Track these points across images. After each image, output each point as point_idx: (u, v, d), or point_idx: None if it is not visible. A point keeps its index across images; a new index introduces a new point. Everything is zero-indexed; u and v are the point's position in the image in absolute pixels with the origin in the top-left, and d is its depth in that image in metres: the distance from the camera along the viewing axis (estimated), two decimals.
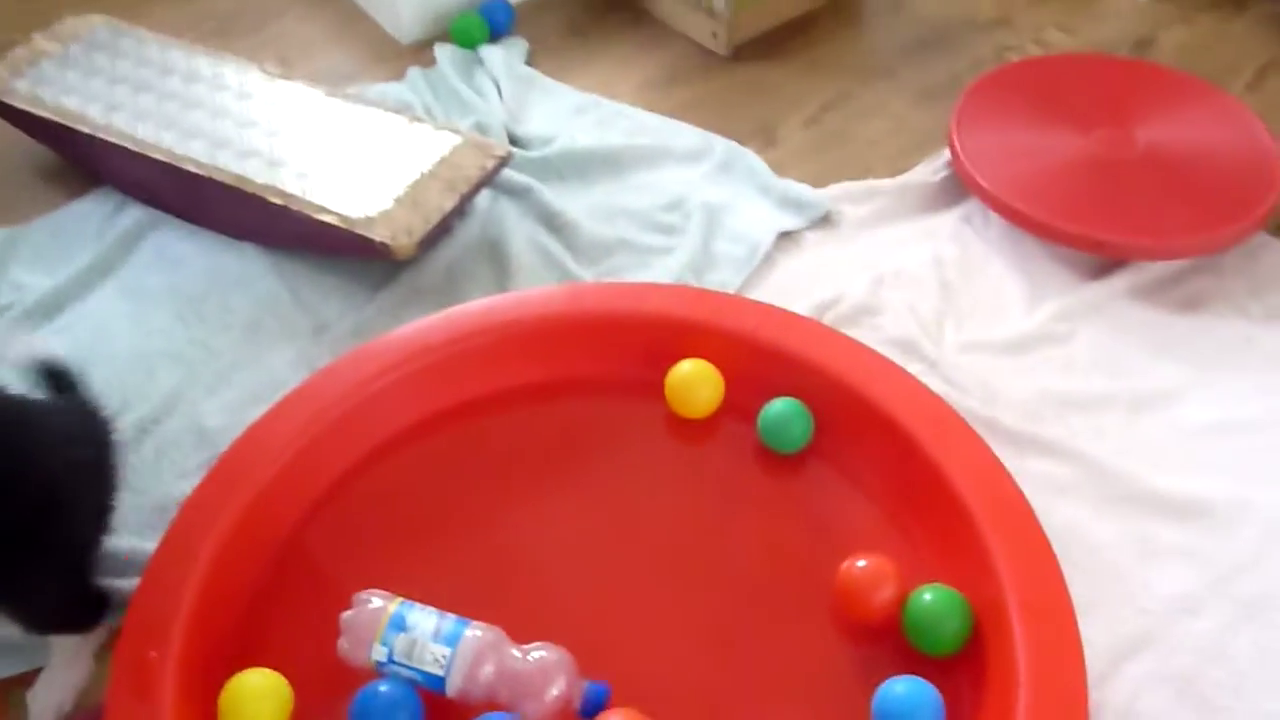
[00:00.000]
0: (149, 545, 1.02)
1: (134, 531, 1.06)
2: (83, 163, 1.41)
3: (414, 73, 1.56)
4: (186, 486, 1.08)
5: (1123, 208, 1.28)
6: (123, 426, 1.13)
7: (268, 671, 0.87)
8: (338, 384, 1.05)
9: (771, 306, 1.13)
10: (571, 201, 1.36)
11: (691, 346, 1.08)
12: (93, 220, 1.38)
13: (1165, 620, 0.99)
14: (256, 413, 1.08)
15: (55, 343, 1.22)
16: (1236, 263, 1.29)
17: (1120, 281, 1.26)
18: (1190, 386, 1.17)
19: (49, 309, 1.27)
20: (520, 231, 1.33)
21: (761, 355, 1.07)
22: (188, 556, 0.91)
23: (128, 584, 1.00)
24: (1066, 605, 0.87)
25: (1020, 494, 0.94)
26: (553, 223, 1.33)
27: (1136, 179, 1.32)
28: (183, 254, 1.33)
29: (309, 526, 1.01)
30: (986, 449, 0.98)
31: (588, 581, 0.97)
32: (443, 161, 1.29)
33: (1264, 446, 1.12)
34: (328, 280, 1.30)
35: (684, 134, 1.47)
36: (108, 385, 1.16)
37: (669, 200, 1.37)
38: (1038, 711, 0.81)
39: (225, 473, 0.99)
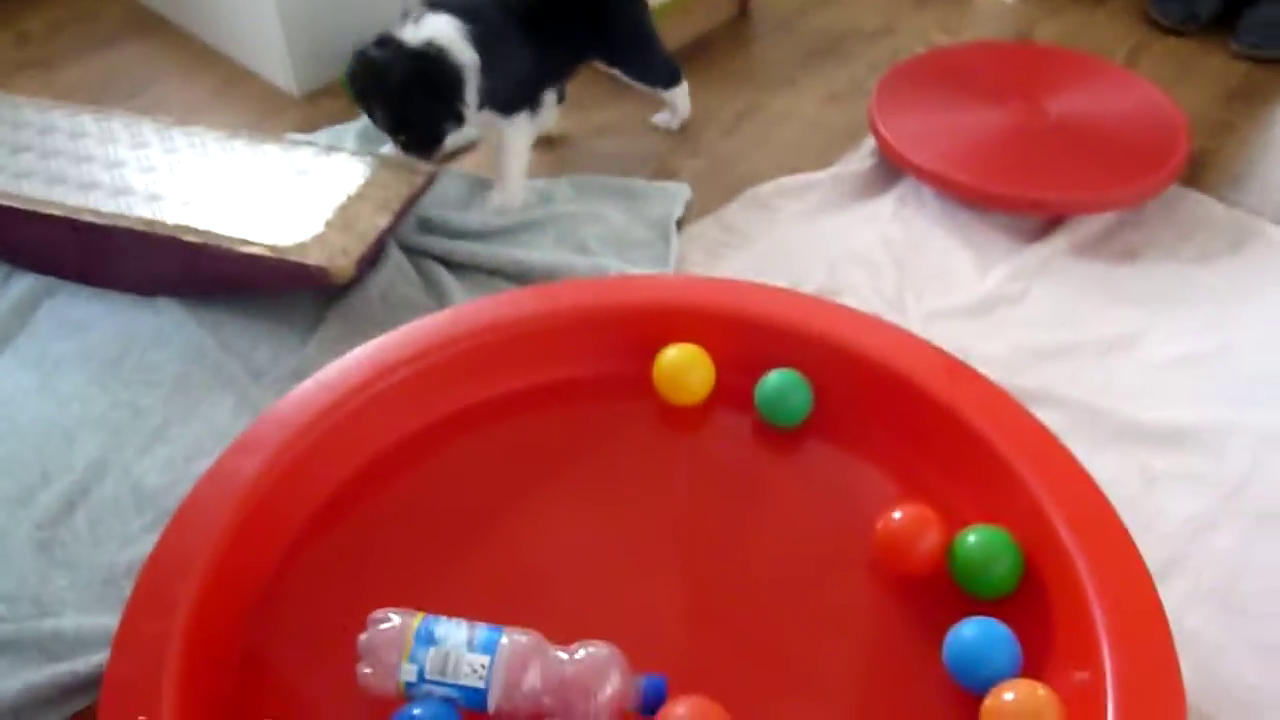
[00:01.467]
0: (101, 620, 0.91)
1: (80, 609, 0.93)
2: None
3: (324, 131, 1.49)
4: (133, 554, 0.97)
5: (1050, 170, 1.32)
6: (46, 502, 1.02)
7: None
8: (309, 407, 0.95)
9: (745, 282, 1.09)
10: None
11: (674, 331, 1.04)
12: None
13: (1187, 541, 0.98)
14: (201, 467, 0.97)
15: None
16: (1159, 213, 1.34)
17: (1059, 241, 1.29)
18: (1147, 328, 1.20)
19: None
20: (440, 248, 1.27)
21: (749, 330, 1.03)
22: (165, 608, 0.80)
23: (82, 663, 0.87)
24: (1118, 524, 0.85)
25: (1041, 425, 0.92)
26: (479, 234, 1.28)
27: (1057, 144, 1.36)
28: (87, 317, 1.21)
29: (300, 553, 0.90)
30: (997, 387, 0.96)
31: (614, 580, 0.90)
32: (368, 183, 1.23)
33: (1228, 373, 1.15)
34: (254, 326, 1.20)
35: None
36: (19, 464, 1.05)
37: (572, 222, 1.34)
38: (1120, 632, 0.77)
39: (190, 511, 0.87)
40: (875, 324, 1.03)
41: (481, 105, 1.25)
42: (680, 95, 1.49)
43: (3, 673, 0.88)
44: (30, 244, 1.24)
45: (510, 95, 1.29)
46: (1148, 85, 1.45)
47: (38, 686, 0.86)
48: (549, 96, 1.42)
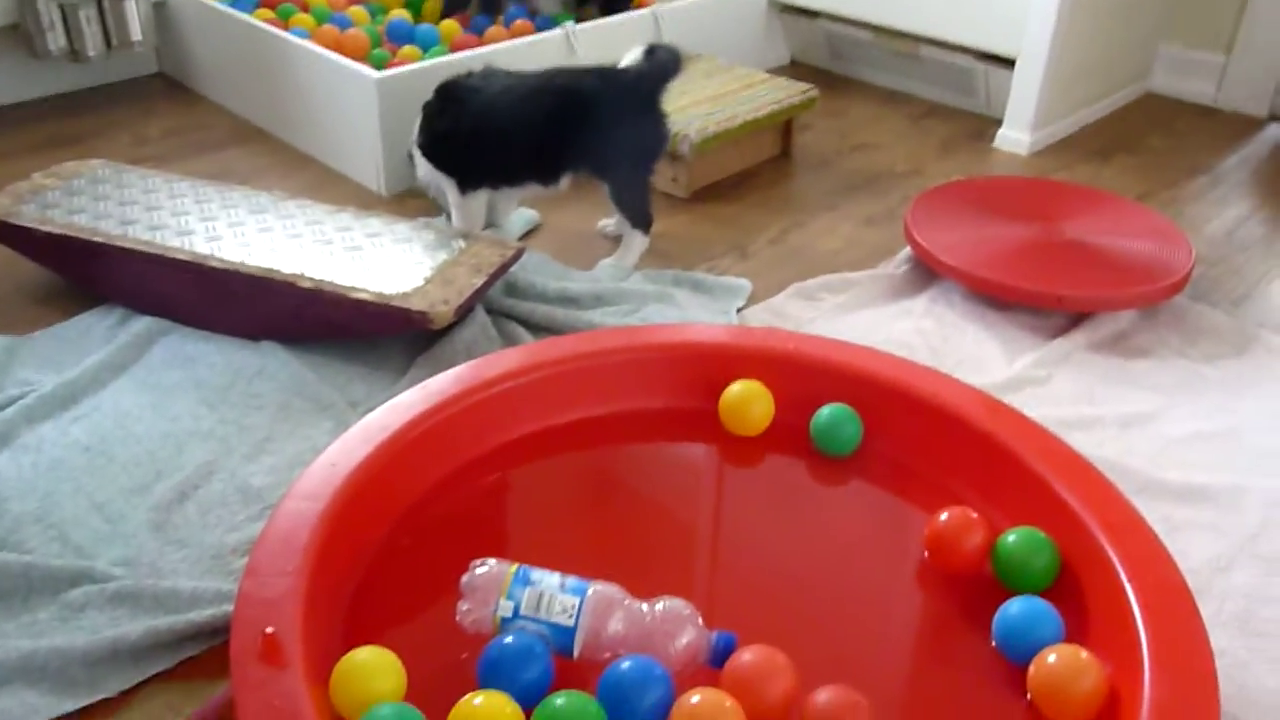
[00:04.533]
0: (212, 585, 0.99)
1: (192, 577, 1.02)
2: (89, 279, 1.42)
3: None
4: (240, 536, 1.06)
5: (1070, 274, 1.47)
6: (159, 493, 1.11)
7: (378, 648, 0.84)
8: (414, 410, 1.06)
9: (802, 334, 1.22)
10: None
11: (738, 370, 1.16)
12: (97, 330, 1.38)
13: (1209, 578, 1.07)
14: None
15: (74, 430, 1.20)
16: (1168, 321, 1.48)
17: (1079, 337, 1.42)
18: (1162, 409, 1.31)
19: (63, 400, 1.24)
20: (522, 310, 1.41)
21: (806, 370, 1.15)
22: (292, 547, 0.88)
23: (197, 614, 0.95)
24: (1146, 528, 0.94)
25: (1073, 449, 1.03)
26: (558, 298, 1.43)
27: (1074, 255, 1.52)
28: (198, 353, 1.34)
29: (406, 524, 1.00)
30: (1029, 419, 1.07)
31: (688, 568, 0.99)
32: (463, 251, 1.38)
33: (1238, 448, 1.25)
34: (349, 368, 1.32)
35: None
36: (135, 463, 1.15)
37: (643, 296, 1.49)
38: (1154, 613, 0.86)
39: (329, 460, 0.98)
40: (918, 367, 1.16)
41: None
42: (638, 243, 1.56)
43: (125, 619, 0.96)
44: (154, 289, 1.37)
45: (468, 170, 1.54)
46: (1154, 213, 1.62)
47: (157, 631, 0.93)
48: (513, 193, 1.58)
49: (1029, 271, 1.47)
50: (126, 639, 0.92)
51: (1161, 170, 1.96)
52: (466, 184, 1.54)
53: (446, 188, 1.56)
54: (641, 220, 1.56)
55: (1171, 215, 1.77)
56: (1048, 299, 1.43)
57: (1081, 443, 1.23)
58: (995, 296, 1.47)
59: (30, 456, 1.16)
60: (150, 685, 0.92)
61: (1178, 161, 2.00)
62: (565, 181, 1.54)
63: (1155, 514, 1.14)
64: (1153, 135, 2.12)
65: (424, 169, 1.56)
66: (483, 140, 1.49)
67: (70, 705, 0.89)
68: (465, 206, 1.55)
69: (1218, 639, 0.99)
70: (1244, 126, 2.17)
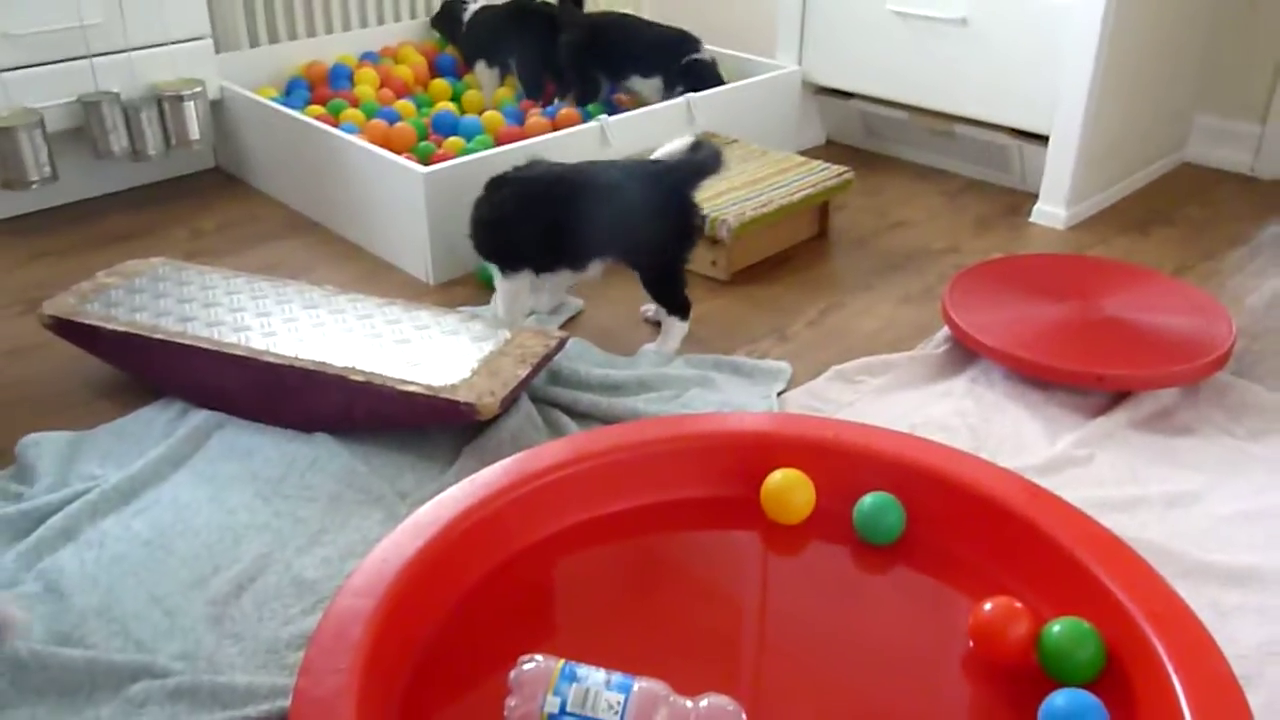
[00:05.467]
0: (267, 679, 1.01)
1: (248, 672, 1.04)
2: (150, 373, 1.48)
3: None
4: (294, 630, 1.09)
5: (1109, 352, 1.47)
6: (216, 586, 1.15)
7: None
8: (463, 504, 1.09)
9: (842, 420, 1.24)
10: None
11: (779, 458, 1.17)
12: (158, 424, 1.43)
13: (1258, 663, 1.06)
14: (354, 564, 1.10)
15: (135, 524, 1.24)
16: (1211, 398, 1.47)
17: (1121, 417, 1.43)
18: (1207, 488, 1.31)
19: (125, 494, 1.28)
20: (566, 398, 1.44)
21: (847, 458, 1.16)
22: (345, 644, 0.91)
23: (253, 709, 0.98)
24: (1192, 617, 0.94)
25: (1115, 534, 1.03)
26: (600, 386, 1.46)
27: (1114, 332, 1.53)
28: (254, 445, 1.38)
29: (454, 619, 1.03)
30: (1070, 504, 1.07)
31: (730, 662, 1.00)
32: (508, 342, 1.41)
33: None
34: (399, 458, 1.36)
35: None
36: (193, 556, 1.19)
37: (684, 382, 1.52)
38: (1201, 706, 0.85)
39: (381, 555, 1.01)
40: (959, 454, 1.17)
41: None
42: (677, 329, 1.60)
43: (184, 714, 0.98)
44: (212, 382, 1.42)
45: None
46: (1193, 288, 1.63)
47: None
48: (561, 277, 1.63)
49: (1067, 350, 1.48)
50: None
51: (1200, 241, 1.97)
52: (506, 267, 1.59)
53: (493, 272, 1.61)
54: (677, 308, 1.59)
55: (1211, 288, 1.78)
56: (1087, 378, 1.43)
57: (1125, 525, 1.24)
58: (1034, 376, 1.48)
59: (94, 552, 1.20)
60: None
61: (1216, 232, 2.01)
62: (595, 268, 1.60)
63: (1203, 598, 1.14)
64: (1190, 206, 2.13)
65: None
66: (514, 226, 1.56)
67: None
68: (506, 289, 1.60)
69: None
70: None
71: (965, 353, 1.57)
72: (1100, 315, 1.57)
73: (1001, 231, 2.02)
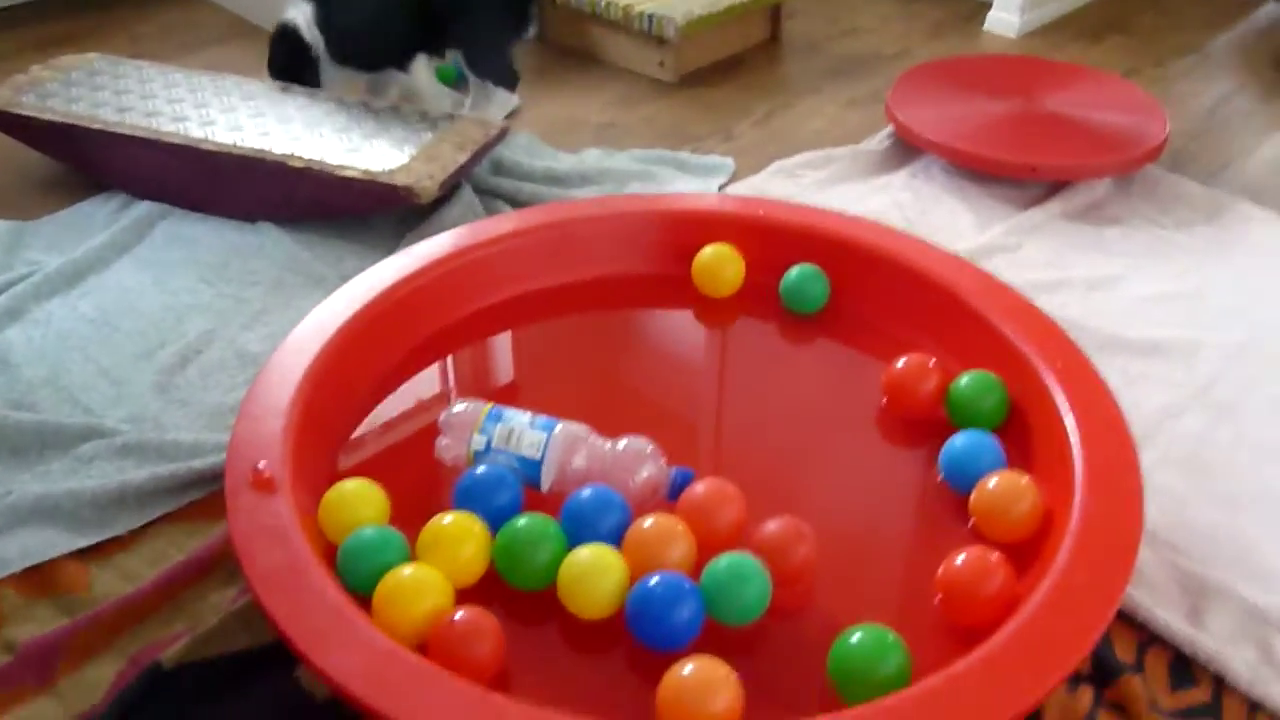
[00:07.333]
0: (212, 437, 1.05)
1: (192, 431, 1.08)
2: (89, 165, 1.47)
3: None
4: (237, 396, 1.12)
5: (1045, 145, 1.49)
6: (162, 358, 1.17)
7: (363, 479, 0.90)
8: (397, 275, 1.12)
9: (769, 199, 1.26)
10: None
11: (710, 235, 1.20)
12: (100, 215, 1.43)
13: (1158, 424, 1.12)
14: None
15: (81, 305, 1.26)
16: (1142, 191, 1.50)
17: (1052, 207, 1.45)
18: (1128, 272, 1.35)
19: (69, 277, 1.30)
20: (508, 188, 1.46)
21: (774, 233, 1.19)
22: (282, 392, 0.94)
23: (199, 462, 1.02)
24: (1090, 367, 0.98)
25: (1027, 300, 1.07)
26: (544, 177, 1.47)
27: (1052, 127, 1.54)
28: (197, 234, 1.39)
29: (391, 375, 1.07)
30: (990, 275, 1.11)
31: (655, 415, 1.04)
32: (448, 129, 1.42)
33: (1200, 307, 1.29)
34: (342, 245, 1.37)
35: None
36: (139, 333, 1.21)
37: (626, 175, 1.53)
38: (1091, 442, 0.90)
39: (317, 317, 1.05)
40: (882, 227, 1.20)
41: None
42: (500, 101, 1.66)
43: (131, 467, 1.02)
44: (152, 173, 1.42)
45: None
46: (1134, 87, 1.64)
47: (160, 477, 1.00)
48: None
49: (1005, 143, 1.49)
50: (132, 483, 0.99)
51: (1151, 49, 1.96)
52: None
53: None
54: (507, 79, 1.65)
55: (1156, 92, 1.78)
56: (1022, 169, 1.46)
57: (1047, 304, 1.26)
58: (971, 168, 1.50)
59: (40, 329, 1.22)
60: (156, 525, 0.99)
61: (1168, 40, 2.00)
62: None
63: (1113, 367, 1.19)
64: (1145, 15, 2.11)
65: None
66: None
67: (84, 541, 0.96)
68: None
69: (1162, 478, 1.05)
70: (1239, 5, 2.15)
71: (906, 149, 1.58)
72: (1041, 111, 1.58)
73: (954, 39, 2.00)
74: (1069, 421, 0.92)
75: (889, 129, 1.61)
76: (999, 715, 0.71)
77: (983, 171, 1.49)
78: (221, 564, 0.94)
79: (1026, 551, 0.86)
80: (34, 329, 1.22)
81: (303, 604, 0.75)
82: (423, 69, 1.64)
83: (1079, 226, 1.43)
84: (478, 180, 1.45)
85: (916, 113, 1.56)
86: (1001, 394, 0.99)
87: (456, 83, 1.75)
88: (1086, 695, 0.84)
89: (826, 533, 0.87)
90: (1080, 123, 1.55)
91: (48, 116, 1.43)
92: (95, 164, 1.46)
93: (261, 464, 0.87)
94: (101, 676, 0.85)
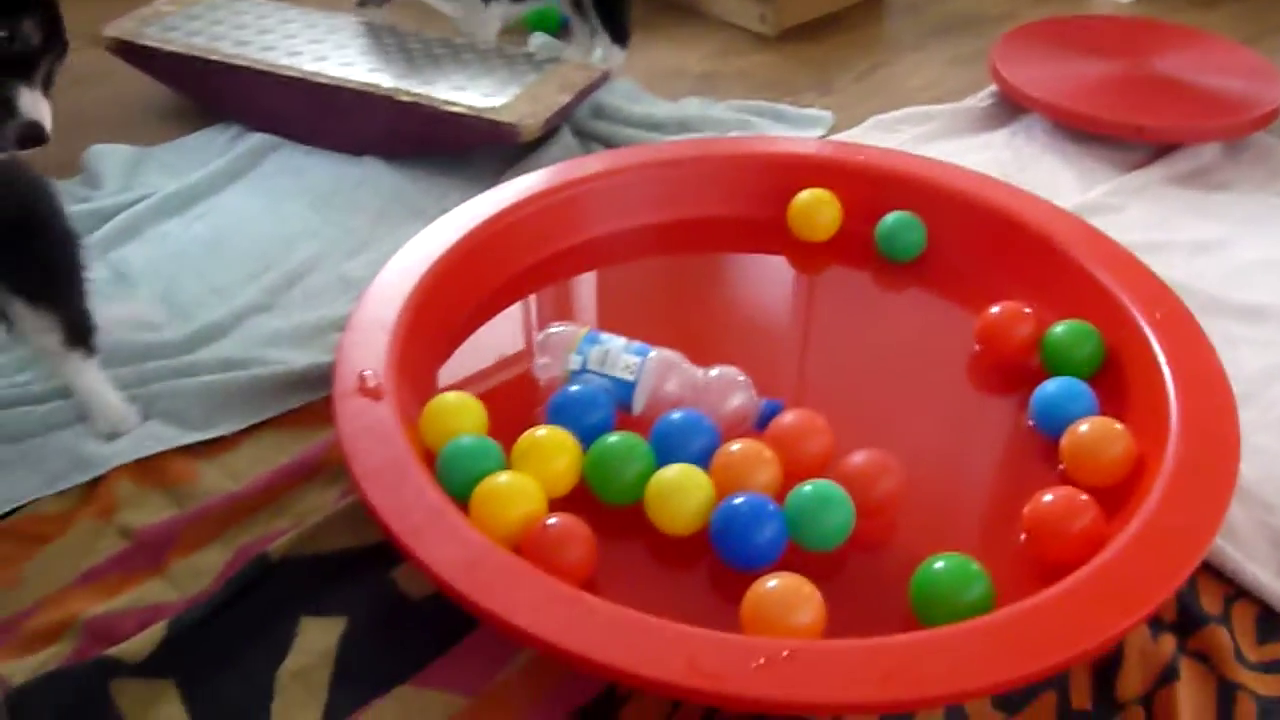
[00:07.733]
0: (306, 356, 1.09)
1: (294, 347, 1.13)
2: (206, 96, 1.53)
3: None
4: (338, 315, 1.16)
5: (1154, 106, 1.46)
6: (269, 280, 1.22)
7: (463, 392, 0.93)
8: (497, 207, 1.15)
9: (867, 145, 1.26)
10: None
11: (807, 179, 1.20)
12: (215, 144, 1.49)
13: (1262, 385, 1.09)
14: None
15: (195, 226, 1.31)
16: (1252, 158, 1.46)
17: (1157, 171, 1.42)
18: (1233, 237, 1.32)
19: (185, 200, 1.36)
20: (607, 132, 1.47)
21: (872, 179, 1.19)
22: (388, 309, 0.98)
23: (300, 364, 1.07)
24: (1190, 319, 0.97)
25: (1128, 251, 1.06)
26: (643, 122, 1.48)
27: (1160, 89, 1.51)
28: (306, 165, 1.44)
29: (493, 300, 1.12)
30: (1083, 221, 1.10)
31: (749, 352, 1.06)
32: (551, 72, 1.44)
33: None
34: (445, 179, 1.41)
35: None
36: (249, 255, 1.26)
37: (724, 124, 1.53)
38: (1188, 392, 0.90)
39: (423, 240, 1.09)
40: (979, 176, 1.19)
41: None
42: (610, 58, 1.58)
43: (232, 366, 1.07)
44: (266, 105, 1.47)
45: None
46: (1249, 51, 1.59)
47: (260, 379, 1.05)
48: None
49: (1112, 103, 1.46)
50: (236, 382, 1.04)
51: (1272, 15, 1.90)
52: None
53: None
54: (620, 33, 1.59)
55: (1276, 61, 1.73)
56: (1128, 129, 1.43)
57: (1150, 265, 1.25)
58: (1075, 127, 1.47)
59: (157, 247, 1.28)
60: (259, 430, 1.03)
61: None
62: None
63: (1215, 329, 1.15)
64: None
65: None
66: None
67: (190, 439, 1.01)
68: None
69: (1260, 439, 1.03)
70: None
71: (1009, 107, 1.56)
72: (1149, 73, 1.55)
73: (1061, 3, 1.96)
74: (1166, 369, 0.92)
75: (991, 88, 1.59)
76: (1077, 646, 0.71)
77: (1087, 131, 1.47)
78: (324, 469, 0.98)
79: (1116, 497, 0.86)
80: (151, 246, 1.28)
81: (405, 500, 0.79)
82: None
83: (1184, 191, 1.40)
84: (577, 122, 1.47)
85: (1021, 70, 1.54)
86: (1097, 343, 0.99)
87: (558, 30, 1.77)
88: (1169, 643, 0.83)
89: (913, 470, 0.88)
90: (1190, 85, 1.52)
91: (169, 48, 1.49)
92: (212, 95, 1.52)
93: (367, 372, 0.91)
94: (211, 563, 0.90)
